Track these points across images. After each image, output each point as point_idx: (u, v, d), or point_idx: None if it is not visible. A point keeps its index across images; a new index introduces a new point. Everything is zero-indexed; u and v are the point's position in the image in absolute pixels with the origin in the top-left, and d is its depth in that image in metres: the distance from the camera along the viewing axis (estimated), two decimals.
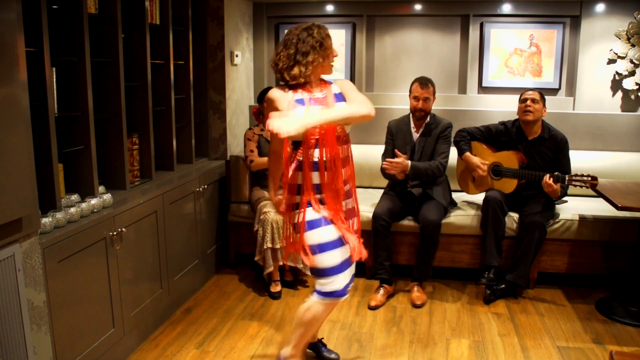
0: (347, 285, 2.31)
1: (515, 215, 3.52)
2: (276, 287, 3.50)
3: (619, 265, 3.51)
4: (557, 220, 3.48)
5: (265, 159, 3.60)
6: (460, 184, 3.75)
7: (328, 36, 2.33)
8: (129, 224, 2.71)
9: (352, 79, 4.48)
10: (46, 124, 2.27)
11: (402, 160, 3.32)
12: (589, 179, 3.13)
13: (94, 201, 2.52)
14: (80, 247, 2.34)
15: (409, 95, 3.48)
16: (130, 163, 3.05)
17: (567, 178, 3.20)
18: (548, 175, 3.23)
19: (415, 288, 3.45)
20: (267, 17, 4.53)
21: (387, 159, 3.36)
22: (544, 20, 4.20)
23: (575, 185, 3.20)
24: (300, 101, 2.29)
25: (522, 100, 3.43)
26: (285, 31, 2.35)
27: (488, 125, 3.63)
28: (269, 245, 3.39)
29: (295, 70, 2.27)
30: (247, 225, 3.80)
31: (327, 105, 2.28)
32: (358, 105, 2.22)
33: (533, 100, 3.37)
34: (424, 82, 3.43)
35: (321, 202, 2.28)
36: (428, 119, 3.50)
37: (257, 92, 4.58)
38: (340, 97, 2.33)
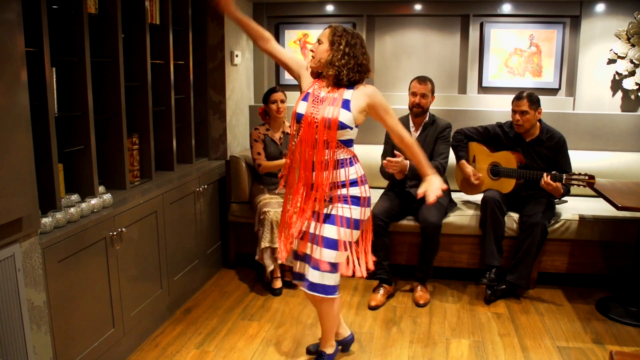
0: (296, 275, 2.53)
1: (515, 216, 3.52)
2: (277, 284, 3.52)
3: (619, 265, 3.50)
4: (557, 220, 3.48)
5: (273, 162, 3.61)
6: (460, 185, 3.75)
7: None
8: (129, 224, 2.71)
9: None
10: (46, 124, 2.27)
11: (401, 160, 3.31)
12: (587, 177, 3.14)
13: (94, 201, 2.52)
14: (80, 247, 2.34)
15: (408, 92, 3.49)
16: (130, 163, 3.05)
17: (564, 177, 3.20)
18: (545, 174, 3.24)
19: (419, 288, 3.46)
20: (267, 17, 4.53)
21: (387, 158, 3.35)
22: (544, 20, 4.20)
23: (572, 184, 3.20)
24: (306, 97, 2.41)
25: (513, 111, 3.41)
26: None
27: (486, 126, 3.63)
28: (267, 244, 3.39)
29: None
30: (247, 225, 3.80)
31: (320, 109, 2.33)
32: (416, 147, 2.44)
33: (522, 113, 3.35)
34: (422, 79, 3.45)
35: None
36: (427, 118, 3.50)
37: (257, 92, 4.59)
38: (347, 104, 2.33)
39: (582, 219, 3.49)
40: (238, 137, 4.27)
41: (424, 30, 4.38)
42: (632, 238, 3.38)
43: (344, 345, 2.78)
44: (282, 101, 3.61)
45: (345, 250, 2.37)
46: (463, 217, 3.58)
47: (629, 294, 3.23)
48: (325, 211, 2.40)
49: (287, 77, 4.58)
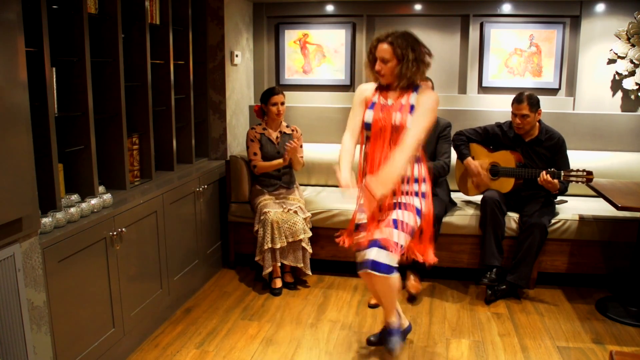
0: (367, 262, 2.45)
1: (515, 216, 3.52)
2: (277, 284, 3.52)
3: (619, 265, 3.50)
4: (557, 220, 3.48)
5: (268, 163, 3.61)
6: (460, 185, 3.76)
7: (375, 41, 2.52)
8: (129, 224, 2.71)
9: (352, 79, 4.48)
10: (46, 124, 2.27)
11: None
12: (584, 173, 3.14)
13: (94, 201, 2.52)
14: (80, 247, 2.34)
15: None
16: (130, 163, 3.05)
17: (562, 174, 3.21)
18: (544, 172, 3.24)
19: (412, 277, 3.44)
20: (267, 17, 4.53)
21: None
22: (544, 20, 4.20)
23: (571, 181, 3.20)
24: (372, 105, 2.53)
25: (513, 113, 3.41)
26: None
27: (485, 127, 3.63)
28: (269, 245, 3.39)
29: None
30: (247, 225, 3.80)
31: (390, 114, 2.44)
32: (405, 148, 2.34)
33: (522, 116, 3.35)
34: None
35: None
36: None
37: (257, 92, 4.59)
38: (412, 109, 2.44)
39: (582, 219, 3.49)
40: (238, 137, 4.27)
41: (424, 30, 4.37)
42: (632, 238, 3.38)
43: (404, 334, 2.84)
44: (282, 103, 3.62)
45: (411, 236, 2.51)
46: (463, 217, 3.58)
47: (629, 294, 3.23)
48: (399, 200, 2.50)
49: (287, 77, 4.58)
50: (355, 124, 2.57)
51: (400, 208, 2.49)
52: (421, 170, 2.53)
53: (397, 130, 2.42)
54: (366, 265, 2.44)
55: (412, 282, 3.42)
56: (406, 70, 2.42)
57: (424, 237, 2.59)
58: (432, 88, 3.46)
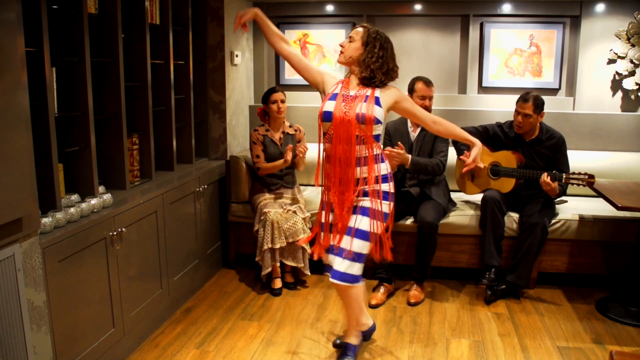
0: (328, 267, 2.51)
1: (515, 216, 3.52)
2: (277, 284, 3.52)
3: (619, 265, 3.50)
4: (557, 220, 3.48)
5: (272, 164, 3.61)
6: (459, 183, 3.76)
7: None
8: (129, 224, 2.71)
9: None
10: (46, 124, 2.27)
11: (403, 152, 3.28)
12: (586, 177, 3.14)
13: (94, 201, 2.52)
14: (80, 247, 2.34)
15: (412, 95, 3.47)
16: (130, 163, 3.05)
17: (564, 176, 3.21)
18: (546, 174, 3.24)
19: (414, 287, 3.46)
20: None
21: (388, 147, 3.31)
22: (544, 20, 4.20)
23: (572, 184, 3.20)
24: (333, 97, 2.49)
25: (516, 111, 3.40)
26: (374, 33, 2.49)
27: (485, 126, 3.63)
28: (269, 245, 3.40)
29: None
30: (247, 225, 3.80)
31: (354, 105, 2.41)
32: (447, 123, 2.60)
33: (525, 116, 3.34)
34: (428, 81, 3.46)
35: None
36: None
37: (257, 92, 4.59)
38: (378, 101, 2.43)
39: (582, 219, 3.49)
40: (238, 137, 4.27)
41: (424, 30, 4.38)
42: (632, 238, 3.38)
43: (366, 335, 2.83)
44: (283, 101, 3.61)
45: (375, 242, 2.47)
46: (463, 217, 3.58)
47: (629, 294, 3.23)
48: (358, 204, 2.46)
49: (287, 77, 4.58)
50: (303, 58, 2.71)
51: (363, 214, 2.45)
52: (386, 168, 2.50)
53: (362, 121, 2.37)
54: (332, 275, 2.45)
55: (413, 291, 3.43)
56: (369, 59, 2.41)
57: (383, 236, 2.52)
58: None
